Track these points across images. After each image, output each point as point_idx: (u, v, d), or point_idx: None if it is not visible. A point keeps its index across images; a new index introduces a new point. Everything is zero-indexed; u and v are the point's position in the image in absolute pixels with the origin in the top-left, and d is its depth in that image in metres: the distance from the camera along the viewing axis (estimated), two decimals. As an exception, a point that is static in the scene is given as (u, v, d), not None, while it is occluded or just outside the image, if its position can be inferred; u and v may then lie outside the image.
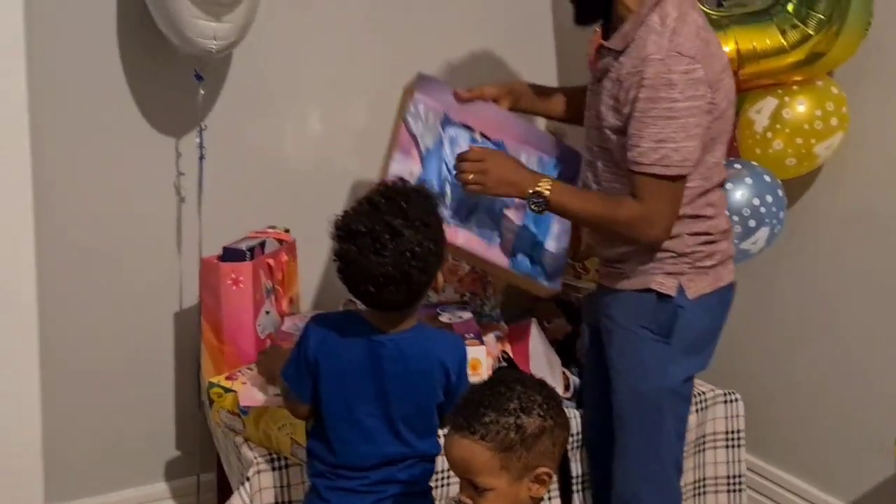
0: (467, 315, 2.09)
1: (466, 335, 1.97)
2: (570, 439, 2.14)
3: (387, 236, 1.45)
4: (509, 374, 1.54)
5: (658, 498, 1.92)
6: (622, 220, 1.75)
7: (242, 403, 1.96)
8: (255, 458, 1.92)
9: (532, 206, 1.79)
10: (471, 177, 1.80)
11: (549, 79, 2.78)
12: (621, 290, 1.87)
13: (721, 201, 1.88)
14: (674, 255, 1.81)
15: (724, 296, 1.89)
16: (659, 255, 1.81)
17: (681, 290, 1.81)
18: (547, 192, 1.77)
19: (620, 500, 1.94)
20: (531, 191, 1.77)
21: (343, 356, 1.56)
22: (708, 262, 1.84)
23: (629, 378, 1.87)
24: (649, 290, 1.82)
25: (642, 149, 1.70)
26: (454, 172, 1.86)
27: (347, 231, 1.48)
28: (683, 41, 1.68)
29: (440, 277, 1.56)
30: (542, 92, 2.11)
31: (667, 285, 1.81)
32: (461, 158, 1.83)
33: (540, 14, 2.78)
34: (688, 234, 1.81)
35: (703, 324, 1.86)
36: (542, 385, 1.42)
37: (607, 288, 1.91)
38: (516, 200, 1.90)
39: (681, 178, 1.73)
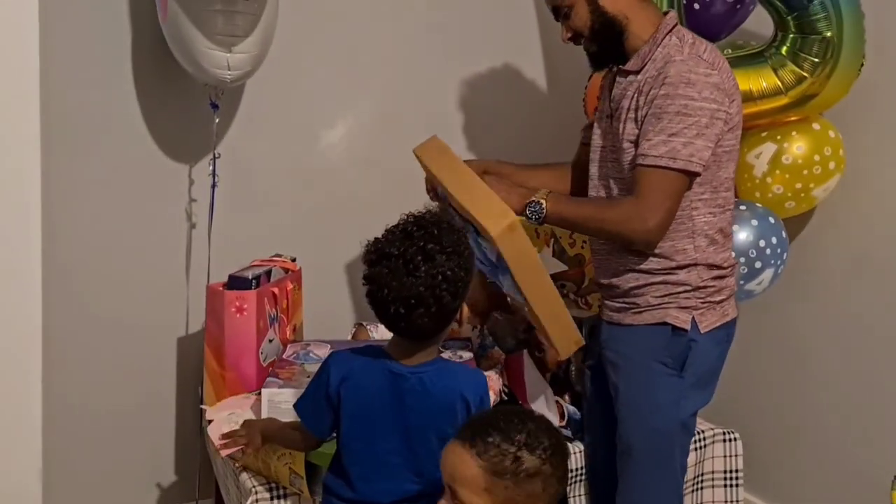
0: (468, 355, 2.10)
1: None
2: (570, 475, 2.14)
3: (419, 258, 1.47)
4: (529, 412, 1.53)
5: None
6: (615, 218, 1.78)
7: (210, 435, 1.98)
8: (254, 486, 1.93)
9: (530, 216, 1.82)
10: None
11: (540, 82, 2.83)
12: (633, 325, 1.88)
13: (730, 231, 1.92)
14: (689, 288, 1.83)
15: (729, 330, 1.91)
16: (674, 288, 1.83)
17: (694, 324, 1.83)
18: (543, 202, 1.81)
19: None
20: (528, 201, 1.82)
21: (366, 391, 1.56)
22: (717, 297, 1.86)
23: (642, 412, 1.87)
24: (664, 324, 1.84)
25: (653, 142, 1.74)
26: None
27: (380, 254, 1.49)
28: (703, 50, 1.78)
29: (465, 309, 1.57)
30: (522, 169, 2.12)
31: (681, 319, 1.83)
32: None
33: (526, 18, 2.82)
34: (704, 265, 1.83)
35: (712, 357, 1.89)
36: (554, 433, 1.42)
37: (616, 324, 1.91)
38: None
39: (684, 176, 1.74)
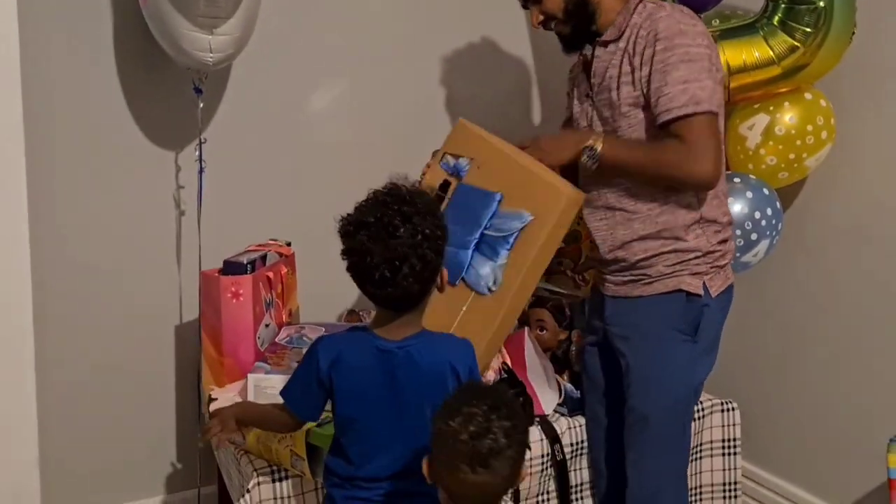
0: None
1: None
2: (569, 449, 2.16)
3: (398, 220, 1.47)
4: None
5: (678, 491, 1.97)
6: (672, 161, 1.78)
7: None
8: (255, 470, 1.93)
9: (587, 160, 1.83)
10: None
11: (527, 61, 2.81)
12: (644, 296, 1.89)
13: (726, 188, 1.95)
14: (699, 254, 1.86)
15: (731, 293, 1.95)
16: (685, 255, 1.86)
17: (706, 289, 1.87)
18: (599, 146, 1.82)
19: (639, 500, 1.97)
20: (584, 146, 1.83)
21: (357, 371, 1.56)
22: (722, 262, 1.90)
23: (660, 382, 1.89)
24: (678, 292, 1.86)
25: (671, 94, 1.75)
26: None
27: (357, 224, 1.49)
28: (679, 10, 1.82)
29: (444, 273, 1.57)
30: None
31: (695, 285, 1.86)
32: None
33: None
34: (708, 220, 1.86)
35: (719, 321, 1.93)
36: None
37: (622, 297, 1.93)
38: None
39: (711, 116, 1.77)
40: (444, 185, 2.01)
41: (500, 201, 1.90)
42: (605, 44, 1.87)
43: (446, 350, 1.60)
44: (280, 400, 1.66)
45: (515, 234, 1.87)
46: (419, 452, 1.55)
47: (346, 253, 1.51)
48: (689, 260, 1.86)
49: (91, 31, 2.25)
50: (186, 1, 1.99)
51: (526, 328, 2.23)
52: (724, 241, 1.91)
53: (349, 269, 1.52)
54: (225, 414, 1.72)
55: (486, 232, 1.90)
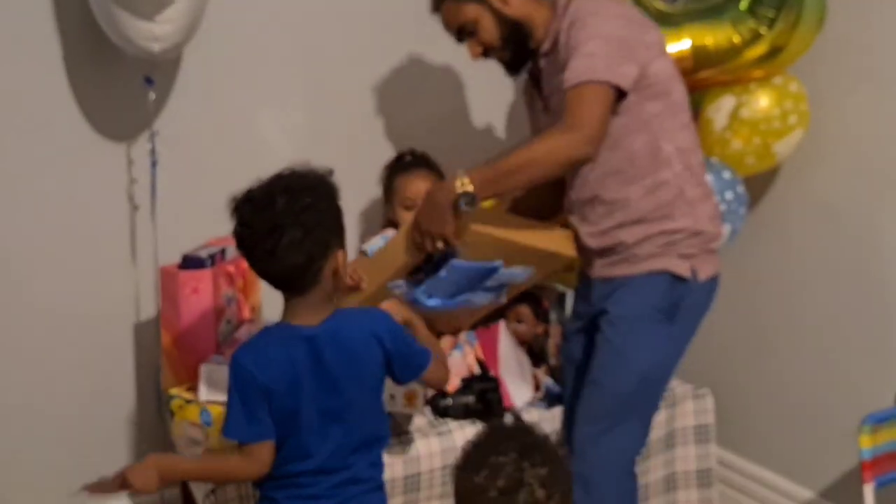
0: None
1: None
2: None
3: (278, 193, 1.51)
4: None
5: (621, 477, 1.90)
6: (546, 147, 1.74)
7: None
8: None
9: (465, 208, 1.76)
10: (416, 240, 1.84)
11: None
12: (630, 276, 1.87)
13: (702, 158, 1.94)
14: (687, 234, 1.84)
15: (717, 280, 1.94)
16: (673, 236, 1.84)
17: (693, 272, 1.85)
18: (469, 186, 1.75)
19: (581, 477, 1.90)
20: (454, 197, 1.76)
21: (286, 365, 1.53)
22: (713, 244, 1.89)
23: (631, 357, 1.86)
24: (664, 272, 1.84)
25: (571, 67, 1.74)
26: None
27: (243, 199, 1.53)
28: None
29: (341, 257, 1.53)
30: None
31: (683, 267, 1.84)
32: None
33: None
34: (699, 205, 1.85)
35: (702, 306, 1.92)
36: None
37: (609, 278, 1.90)
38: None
39: (608, 87, 1.72)
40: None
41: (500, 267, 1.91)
42: (546, 55, 1.88)
43: (364, 321, 1.59)
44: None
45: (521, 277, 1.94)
46: (360, 433, 1.57)
47: (233, 233, 1.53)
48: (679, 241, 1.84)
49: (31, 16, 2.15)
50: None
51: (502, 320, 2.19)
52: (715, 218, 1.90)
53: (238, 246, 1.54)
54: (147, 469, 1.53)
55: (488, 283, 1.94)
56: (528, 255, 1.92)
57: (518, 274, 1.95)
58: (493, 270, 1.92)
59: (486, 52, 1.93)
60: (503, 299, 2.09)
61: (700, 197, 1.88)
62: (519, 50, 1.92)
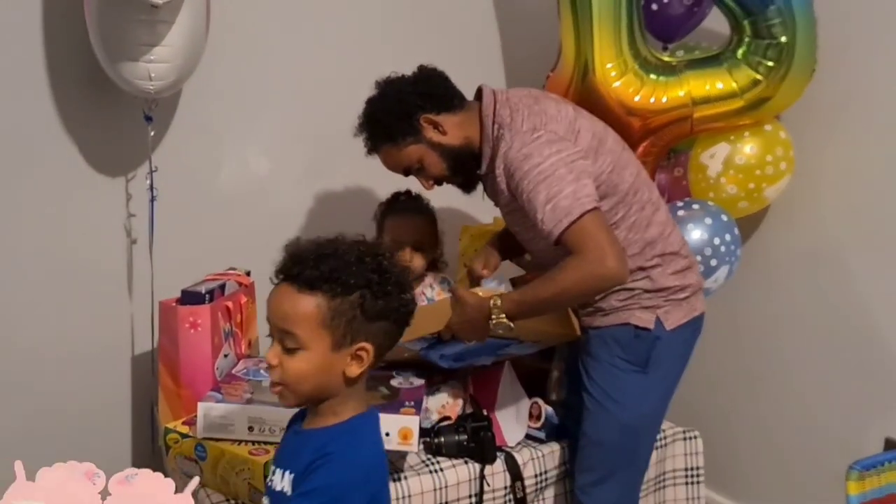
0: (419, 382, 2.09)
1: (407, 402, 1.97)
2: (536, 479, 2.13)
3: (349, 252, 1.35)
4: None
5: None
6: (574, 279, 1.75)
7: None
8: (213, 504, 1.88)
9: (504, 332, 1.83)
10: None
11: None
12: (598, 328, 1.94)
13: (667, 220, 1.95)
14: (648, 289, 1.89)
15: (696, 325, 1.97)
16: (632, 292, 1.90)
17: (659, 322, 1.89)
18: (506, 320, 1.80)
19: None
20: (493, 326, 1.81)
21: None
22: (681, 295, 1.92)
23: (610, 409, 1.92)
24: (626, 324, 1.89)
25: (542, 216, 1.77)
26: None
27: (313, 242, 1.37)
28: (520, 123, 1.85)
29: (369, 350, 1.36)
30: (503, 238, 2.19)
31: (645, 319, 1.89)
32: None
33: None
34: (661, 269, 1.90)
35: (679, 352, 1.96)
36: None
37: (587, 327, 1.98)
38: None
39: (590, 213, 1.75)
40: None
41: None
42: (483, 177, 1.95)
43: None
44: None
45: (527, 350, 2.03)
46: None
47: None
48: (639, 295, 1.90)
49: (34, 54, 2.17)
50: (122, 27, 1.96)
51: (508, 362, 2.21)
52: (680, 272, 1.92)
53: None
54: None
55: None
56: (540, 336, 2.01)
57: (526, 348, 2.04)
58: (506, 346, 1.99)
59: (438, 181, 1.99)
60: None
61: (658, 263, 1.90)
62: (469, 171, 1.97)
